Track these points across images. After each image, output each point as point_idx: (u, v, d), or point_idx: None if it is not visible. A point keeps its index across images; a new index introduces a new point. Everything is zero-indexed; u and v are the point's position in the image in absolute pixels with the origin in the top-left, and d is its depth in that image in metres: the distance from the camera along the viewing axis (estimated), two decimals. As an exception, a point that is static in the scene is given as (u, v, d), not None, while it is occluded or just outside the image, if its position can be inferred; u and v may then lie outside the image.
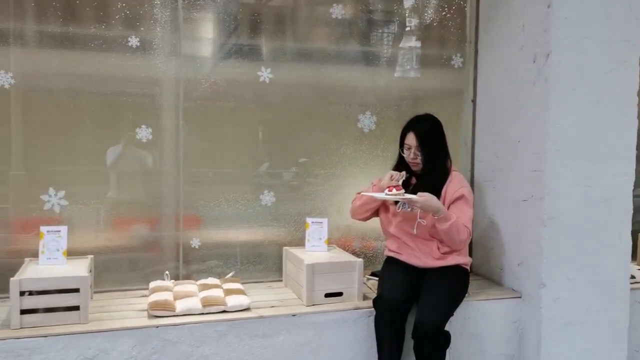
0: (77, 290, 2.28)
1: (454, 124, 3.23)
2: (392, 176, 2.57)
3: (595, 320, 2.70)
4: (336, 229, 3.12)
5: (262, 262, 3.06)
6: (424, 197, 2.43)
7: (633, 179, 2.73)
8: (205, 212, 2.97)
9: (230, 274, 2.91)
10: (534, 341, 2.70)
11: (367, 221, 2.85)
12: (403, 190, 2.49)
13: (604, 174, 2.67)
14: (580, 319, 2.68)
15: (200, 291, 2.62)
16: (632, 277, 2.95)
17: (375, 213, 2.78)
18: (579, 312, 2.68)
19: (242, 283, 2.82)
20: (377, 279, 2.81)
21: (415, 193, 2.54)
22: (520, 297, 2.79)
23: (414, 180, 2.72)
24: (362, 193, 2.68)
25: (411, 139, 2.62)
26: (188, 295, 2.54)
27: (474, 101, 3.26)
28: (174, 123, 2.87)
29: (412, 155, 2.63)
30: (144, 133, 2.81)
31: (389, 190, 2.46)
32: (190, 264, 2.96)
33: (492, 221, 3.05)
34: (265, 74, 2.95)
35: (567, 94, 2.61)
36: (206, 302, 2.46)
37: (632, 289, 2.79)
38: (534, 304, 2.70)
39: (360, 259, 2.68)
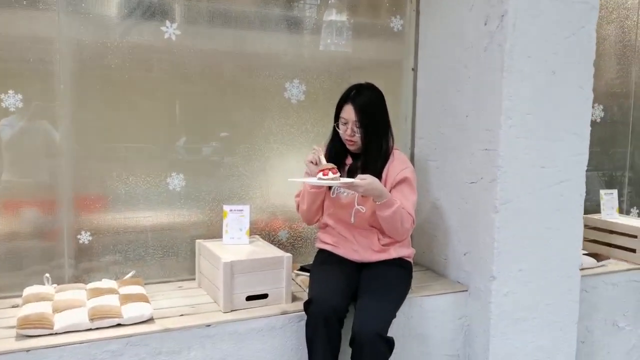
0: None
1: (392, 95, 2.77)
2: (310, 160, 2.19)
3: (545, 315, 2.46)
4: (259, 213, 2.69)
5: (170, 257, 2.56)
6: (366, 180, 2.05)
7: (587, 158, 2.49)
8: (101, 196, 2.42)
9: (131, 274, 2.41)
10: (482, 339, 2.43)
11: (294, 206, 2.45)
12: (339, 174, 2.09)
13: (559, 153, 2.41)
14: (531, 314, 2.43)
15: (89, 299, 2.11)
16: (579, 263, 2.75)
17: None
18: (529, 306, 2.42)
19: (145, 284, 2.35)
20: (307, 274, 2.42)
21: (351, 176, 2.16)
22: (466, 291, 2.50)
23: (349, 161, 2.33)
24: (290, 179, 2.24)
25: (349, 113, 2.21)
26: (72, 305, 2.03)
27: (414, 69, 2.89)
28: (56, 89, 2.29)
29: (350, 131, 2.23)
30: (11, 100, 2.22)
31: (324, 175, 2.04)
32: (80, 261, 2.42)
33: (436, 206, 2.72)
34: (170, 29, 2.42)
35: (523, 62, 2.29)
36: (95, 315, 1.96)
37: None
38: (482, 298, 2.41)
39: (289, 254, 2.26)
